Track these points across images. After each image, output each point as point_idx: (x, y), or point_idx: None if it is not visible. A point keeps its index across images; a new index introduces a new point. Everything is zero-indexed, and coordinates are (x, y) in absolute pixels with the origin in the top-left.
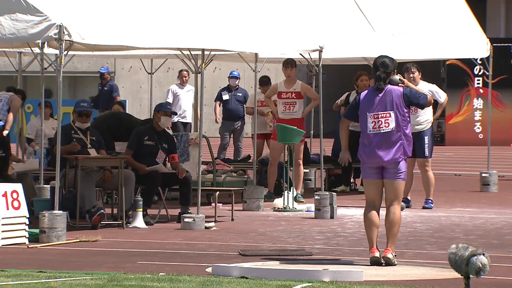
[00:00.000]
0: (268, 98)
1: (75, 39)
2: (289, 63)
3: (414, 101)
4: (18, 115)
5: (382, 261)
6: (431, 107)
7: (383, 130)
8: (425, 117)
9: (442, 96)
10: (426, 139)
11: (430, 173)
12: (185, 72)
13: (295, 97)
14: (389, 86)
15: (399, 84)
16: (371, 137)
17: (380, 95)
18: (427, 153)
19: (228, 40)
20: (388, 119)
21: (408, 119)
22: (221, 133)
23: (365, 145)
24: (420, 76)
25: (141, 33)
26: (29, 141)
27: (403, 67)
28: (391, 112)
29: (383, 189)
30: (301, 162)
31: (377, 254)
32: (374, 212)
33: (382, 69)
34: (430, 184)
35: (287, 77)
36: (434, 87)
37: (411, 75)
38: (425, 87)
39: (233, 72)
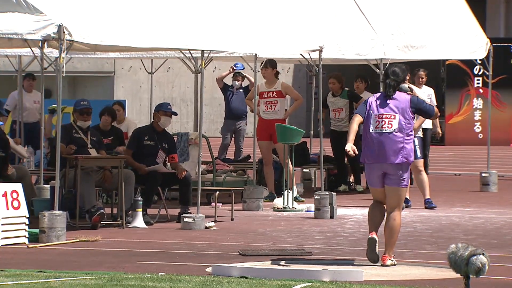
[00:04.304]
0: (249, 100)
1: (75, 39)
2: (265, 64)
3: (423, 108)
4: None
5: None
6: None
7: (385, 130)
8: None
9: (433, 103)
10: (416, 140)
11: (423, 173)
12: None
13: (276, 96)
14: (397, 92)
15: (408, 92)
16: (373, 137)
17: (389, 100)
18: (418, 154)
19: (228, 40)
20: (392, 121)
21: (413, 124)
22: (222, 133)
23: (367, 145)
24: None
25: (141, 33)
26: (7, 113)
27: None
28: (396, 114)
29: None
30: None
31: (374, 236)
32: (380, 206)
33: (392, 77)
34: (425, 184)
35: (265, 77)
36: (431, 92)
37: (421, 79)
38: (425, 90)
39: (237, 65)
